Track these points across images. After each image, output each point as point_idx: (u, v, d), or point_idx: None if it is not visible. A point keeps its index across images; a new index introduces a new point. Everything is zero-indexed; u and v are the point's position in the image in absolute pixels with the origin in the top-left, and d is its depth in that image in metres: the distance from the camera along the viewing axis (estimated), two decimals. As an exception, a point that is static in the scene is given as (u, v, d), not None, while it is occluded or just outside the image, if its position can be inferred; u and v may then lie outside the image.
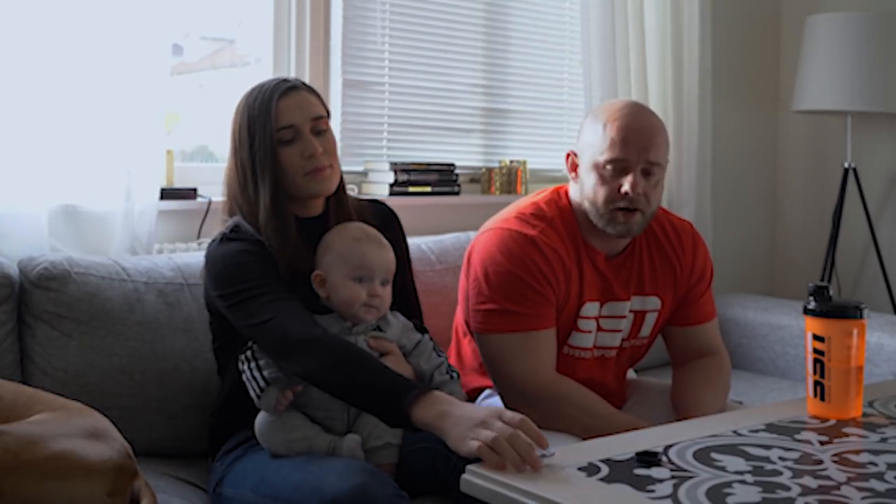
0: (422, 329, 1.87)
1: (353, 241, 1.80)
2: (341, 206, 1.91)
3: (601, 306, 2.02)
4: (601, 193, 1.94)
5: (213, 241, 1.83)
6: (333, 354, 1.63)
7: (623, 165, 1.92)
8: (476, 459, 1.42)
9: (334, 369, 1.63)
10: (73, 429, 1.54)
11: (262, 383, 1.70)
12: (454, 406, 1.51)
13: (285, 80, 1.85)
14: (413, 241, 2.51)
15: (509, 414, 1.46)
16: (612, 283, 2.02)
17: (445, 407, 1.51)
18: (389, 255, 1.82)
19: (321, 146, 1.82)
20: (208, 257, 1.82)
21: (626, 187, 1.91)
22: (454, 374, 1.83)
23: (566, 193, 2.05)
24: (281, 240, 1.79)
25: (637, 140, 1.91)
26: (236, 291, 1.73)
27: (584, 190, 1.98)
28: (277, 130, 1.80)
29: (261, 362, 1.71)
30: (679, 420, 1.92)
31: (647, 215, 1.97)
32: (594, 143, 1.94)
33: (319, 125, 1.84)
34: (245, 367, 1.73)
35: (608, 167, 1.92)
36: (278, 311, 1.69)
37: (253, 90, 1.85)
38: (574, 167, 2.02)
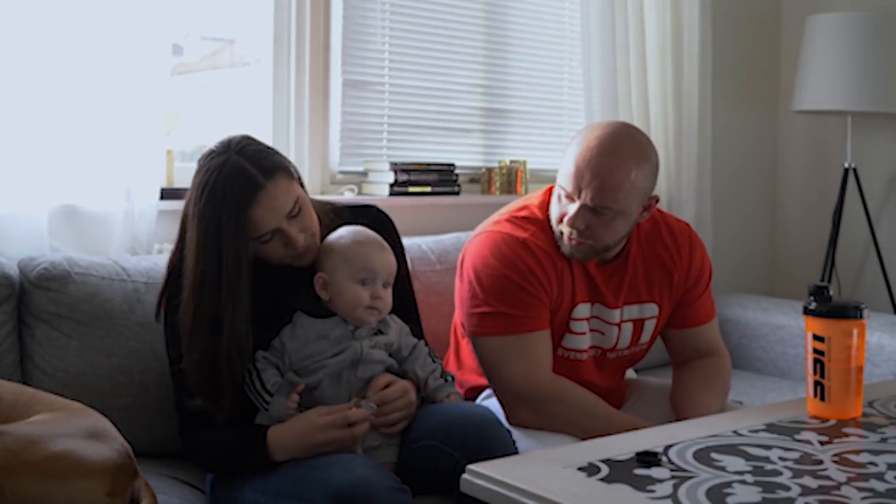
0: (417, 334, 1.88)
1: (357, 244, 1.81)
2: (325, 222, 1.87)
3: (592, 307, 2.02)
4: (553, 211, 1.96)
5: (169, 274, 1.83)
6: (195, 459, 1.81)
7: (570, 196, 1.91)
8: (475, 459, 1.43)
9: (204, 467, 1.83)
10: (73, 429, 1.54)
11: (266, 396, 1.72)
12: (296, 435, 1.69)
13: (251, 178, 1.68)
14: (413, 241, 2.53)
15: (328, 420, 1.69)
16: (602, 288, 2.01)
17: (293, 441, 1.69)
18: (391, 258, 1.84)
19: (300, 230, 1.76)
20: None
21: (566, 216, 1.91)
22: (448, 378, 1.85)
23: None
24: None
25: (586, 180, 1.87)
26: (168, 354, 1.84)
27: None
28: (254, 239, 1.72)
29: (263, 374, 1.73)
30: (677, 421, 1.92)
31: (598, 248, 1.94)
32: (565, 160, 1.93)
33: (294, 211, 1.74)
34: (246, 378, 1.74)
35: (562, 191, 1.93)
36: (177, 397, 1.81)
37: (215, 184, 1.67)
38: None
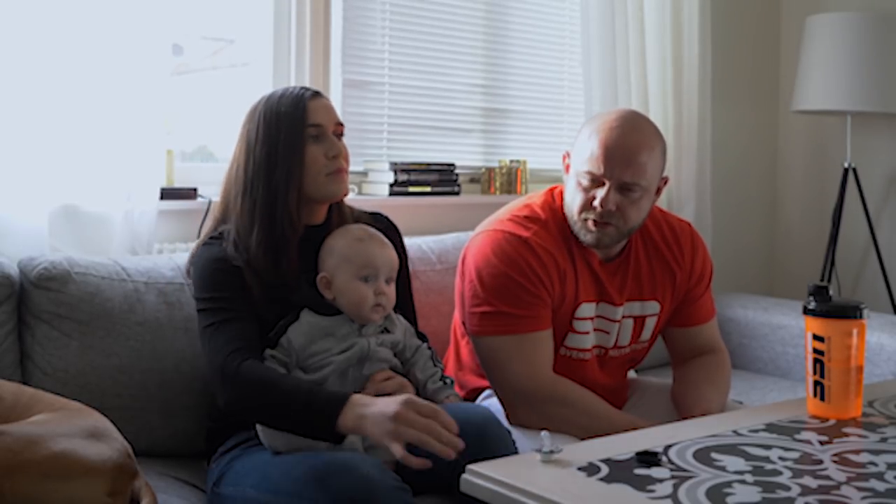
0: (421, 336, 1.89)
1: (357, 242, 1.82)
2: (342, 215, 1.95)
3: (597, 306, 2.02)
4: (575, 202, 1.95)
5: (201, 253, 1.87)
6: (247, 386, 1.66)
7: (599, 179, 1.91)
8: (474, 459, 1.43)
9: (249, 400, 1.66)
10: (74, 429, 1.54)
11: None
12: (370, 406, 1.57)
13: (309, 88, 1.90)
14: (413, 241, 2.53)
15: (421, 402, 1.55)
16: (607, 286, 2.02)
17: (361, 409, 1.57)
18: (392, 254, 1.85)
19: (341, 148, 1.88)
20: (193, 260, 1.88)
21: (596, 200, 1.91)
22: (447, 381, 1.85)
23: (560, 194, 2.05)
24: (271, 245, 1.81)
25: (616, 158, 1.89)
26: (201, 298, 1.81)
27: (565, 194, 1.99)
28: (307, 126, 1.84)
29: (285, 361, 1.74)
30: (681, 419, 1.92)
31: (624, 231, 1.96)
32: (580, 150, 1.94)
33: (339, 130, 1.90)
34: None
35: (585, 177, 1.93)
36: (216, 335, 1.74)
37: (273, 94, 1.88)
38: (567, 169, 2.02)
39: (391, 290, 1.83)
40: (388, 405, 1.55)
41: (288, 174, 1.82)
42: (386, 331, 1.83)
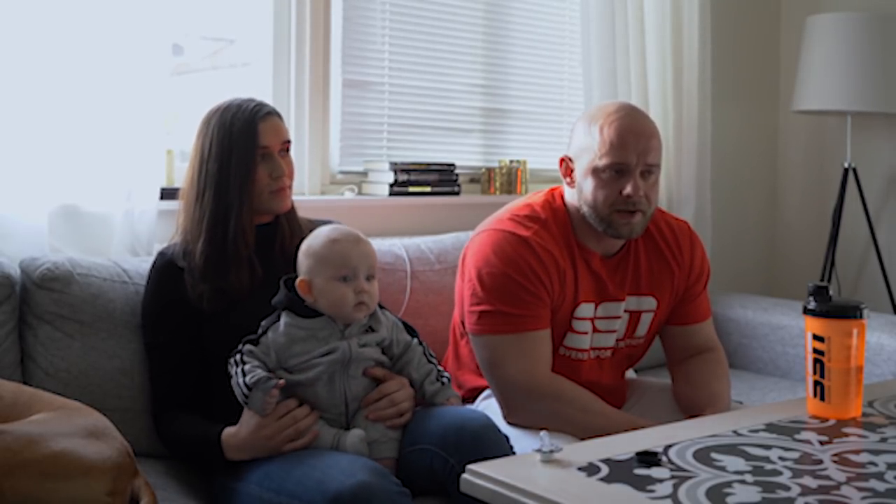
0: (410, 330, 1.87)
1: (332, 243, 1.80)
2: (292, 217, 2.03)
3: (596, 307, 2.02)
4: (601, 197, 1.94)
5: (155, 261, 1.98)
6: (165, 441, 1.92)
7: (623, 169, 1.92)
8: (472, 459, 1.43)
9: (168, 449, 1.93)
10: (73, 428, 1.54)
11: (245, 390, 1.71)
12: (248, 436, 1.74)
13: (261, 104, 1.96)
14: (413, 241, 2.54)
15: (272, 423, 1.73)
16: (608, 284, 2.02)
17: (246, 441, 1.75)
18: (368, 249, 1.83)
19: (286, 164, 1.97)
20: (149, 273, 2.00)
21: (628, 190, 1.91)
22: (444, 381, 1.84)
23: (560, 195, 2.05)
24: (221, 258, 1.90)
25: (635, 143, 1.91)
26: (145, 343, 1.97)
27: (583, 195, 1.97)
28: (258, 148, 1.92)
29: (245, 367, 1.73)
30: (692, 417, 1.92)
31: (648, 215, 1.98)
32: (590, 146, 1.94)
33: (285, 147, 1.99)
34: (233, 370, 1.74)
35: (608, 171, 1.92)
36: (154, 386, 1.95)
37: (228, 108, 1.94)
38: (569, 172, 2.01)
39: (373, 287, 1.80)
40: (255, 434, 1.73)
41: (241, 193, 1.90)
42: (370, 329, 1.81)
